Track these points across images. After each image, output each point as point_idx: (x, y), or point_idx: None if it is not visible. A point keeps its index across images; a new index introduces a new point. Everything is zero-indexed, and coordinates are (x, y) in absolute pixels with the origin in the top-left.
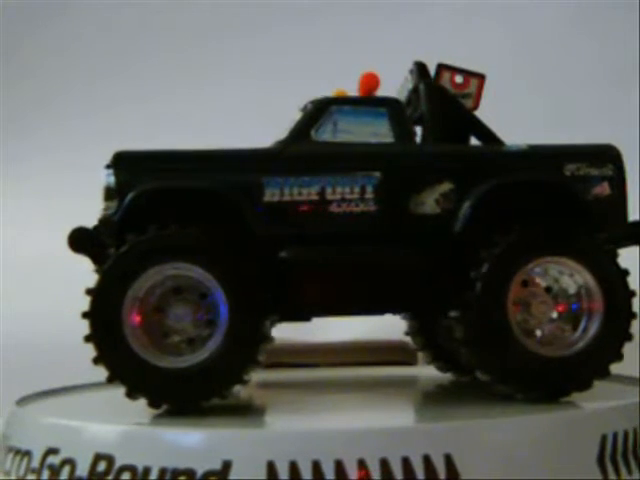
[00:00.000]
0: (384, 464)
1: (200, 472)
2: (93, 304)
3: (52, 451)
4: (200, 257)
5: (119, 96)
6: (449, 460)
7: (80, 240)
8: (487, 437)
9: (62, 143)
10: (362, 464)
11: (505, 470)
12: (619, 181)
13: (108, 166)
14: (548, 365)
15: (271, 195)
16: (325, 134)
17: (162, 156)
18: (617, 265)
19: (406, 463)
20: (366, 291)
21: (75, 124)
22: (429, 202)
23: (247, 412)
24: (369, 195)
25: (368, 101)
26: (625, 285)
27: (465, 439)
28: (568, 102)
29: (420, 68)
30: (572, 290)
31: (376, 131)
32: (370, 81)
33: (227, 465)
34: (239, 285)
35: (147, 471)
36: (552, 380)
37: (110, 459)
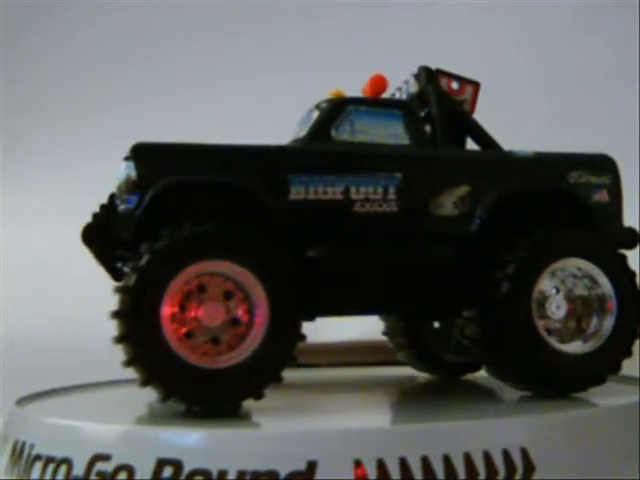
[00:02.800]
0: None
1: (284, 473)
2: (129, 302)
3: (101, 457)
4: (242, 255)
5: (120, 95)
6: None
7: (93, 236)
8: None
9: (62, 143)
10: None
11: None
12: (616, 189)
13: (127, 158)
14: (567, 362)
15: (296, 193)
16: (344, 134)
17: (184, 149)
18: (628, 267)
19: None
20: (395, 292)
21: (74, 124)
22: (447, 204)
23: (265, 413)
24: (391, 196)
25: (383, 103)
26: (634, 286)
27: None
28: (568, 102)
29: (427, 73)
30: (578, 291)
31: (392, 133)
32: (378, 83)
33: (312, 465)
34: (282, 284)
35: (223, 475)
36: (571, 376)
37: (177, 464)
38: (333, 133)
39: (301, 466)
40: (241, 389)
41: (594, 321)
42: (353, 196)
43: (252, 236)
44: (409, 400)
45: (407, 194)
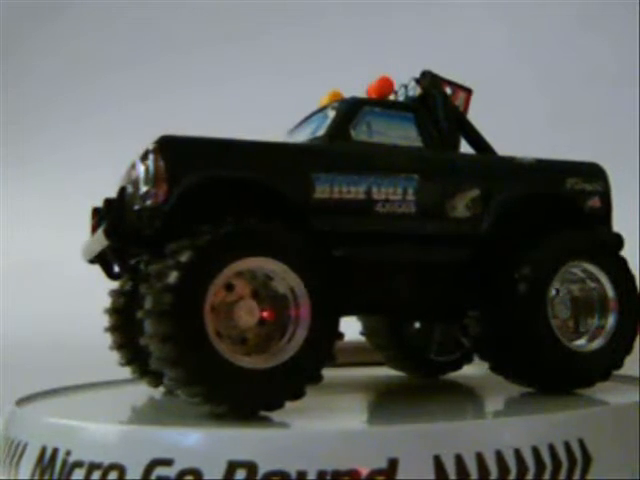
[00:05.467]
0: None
1: (365, 472)
2: (173, 301)
3: (161, 462)
4: (286, 253)
5: (120, 96)
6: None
7: (117, 232)
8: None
9: (62, 145)
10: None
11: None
12: (606, 196)
13: (153, 151)
14: (578, 359)
15: (321, 192)
16: (362, 134)
17: (210, 144)
18: (629, 269)
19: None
20: (415, 292)
21: (74, 126)
22: (460, 206)
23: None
24: (410, 197)
25: (397, 105)
26: (634, 286)
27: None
28: (568, 102)
29: (433, 78)
30: (577, 292)
31: (405, 135)
32: (386, 85)
33: (394, 463)
34: (323, 283)
35: (302, 475)
36: (581, 372)
37: (251, 466)
38: (352, 133)
39: (382, 464)
40: (284, 389)
41: (596, 320)
42: (375, 196)
43: (295, 234)
44: (411, 400)
45: (425, 195)
